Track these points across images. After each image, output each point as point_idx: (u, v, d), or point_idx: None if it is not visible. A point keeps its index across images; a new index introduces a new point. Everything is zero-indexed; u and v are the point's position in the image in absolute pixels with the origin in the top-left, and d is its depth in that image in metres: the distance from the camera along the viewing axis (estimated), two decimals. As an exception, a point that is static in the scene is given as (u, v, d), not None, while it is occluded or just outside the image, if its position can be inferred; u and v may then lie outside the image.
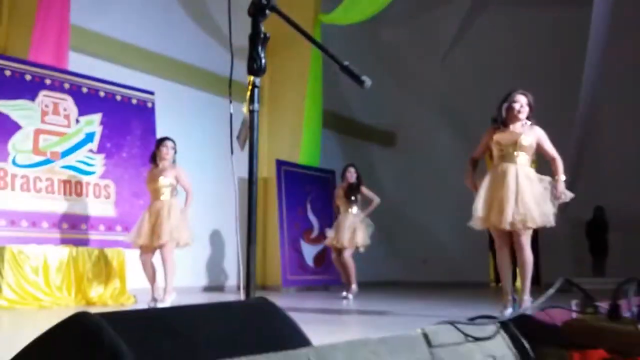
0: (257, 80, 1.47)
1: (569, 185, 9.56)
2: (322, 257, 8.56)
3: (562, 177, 3.90)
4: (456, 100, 11.31)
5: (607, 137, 9.93)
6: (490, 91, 11.05)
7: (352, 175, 6.54)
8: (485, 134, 4.17)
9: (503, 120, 4.02)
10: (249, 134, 1.46)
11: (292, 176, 8.37)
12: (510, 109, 3.99)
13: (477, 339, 1.02)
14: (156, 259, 5.07)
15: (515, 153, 3.93)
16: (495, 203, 3.86)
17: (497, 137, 4.01)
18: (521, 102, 3.98)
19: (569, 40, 9.56)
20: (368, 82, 1.42)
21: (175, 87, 7.54)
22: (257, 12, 1.46)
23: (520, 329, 1.10)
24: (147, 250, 4.95)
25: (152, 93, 6.40)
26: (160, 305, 4.79)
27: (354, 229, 6.39)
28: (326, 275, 8.60)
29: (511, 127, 4.00)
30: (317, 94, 8.70)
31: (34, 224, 5.24)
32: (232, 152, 1.57)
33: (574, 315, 1.26)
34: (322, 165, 8.94)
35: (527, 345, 1.08)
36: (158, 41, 7.34)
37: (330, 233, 6.62)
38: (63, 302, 5.11)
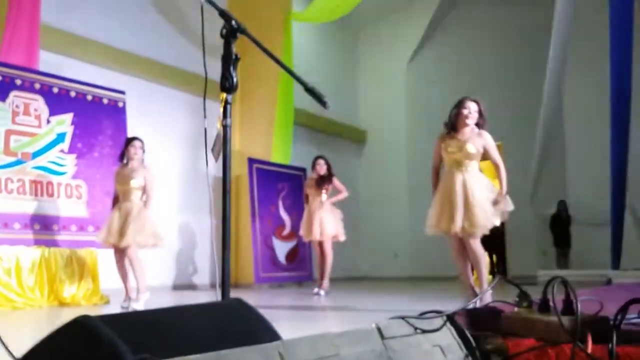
0: (229, 97, 1.59)
1: (535, 181, 9.81)
2: (295, 254, 8.70)
3: (504, 190, 4.00)
4: (423, 100, 11.54)
5: (571, 135, 10.29)
6: (458, 91, 11.37)
7: (322, 167, 6.60)
8: (437, 141, 4.22)
9: (452, 126, 4.08)
10: (223, 147, 1.58)
11: (263, 174, 8.48)
12: (459, 114, 4.06)
13: (425, 331, 1.17)
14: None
15: (463, 160, 4.02)
16: (446, 210, 4.00)
17: (445, 144, 4.10)
18: (470, 109, 4.04)
19: (537, 39, 9.86)
20: (329, 105, 1.56)
21: (146, 85, 7.58)
22: (229, 35, 1.58)
23: (468, 320, 1.26)
24: (117, 250, 4.98)
25: (122, 92, 6.43)
26: (133, 305, 4.81)
27: (322, 218, 6.43)
28: (298, 271, 8.75)
29: (459, 133, 4.07)
30: (288, 92, 8.81)
31: (6, 225, 5.24)
32: (207, 164, 1.69)
33: (515, 309, 1.42)
34: (294, 162, 9.06)
35: (469, 335, 1.23)
36: (129, 39, 7.36)
37: (302, 228, 6.66)
38: (36, 303, 5.13)
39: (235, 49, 1.62)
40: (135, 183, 4.94)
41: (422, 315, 1.19)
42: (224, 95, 1.59)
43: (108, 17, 7.17)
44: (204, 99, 1.71)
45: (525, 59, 10.45)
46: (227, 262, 1.58)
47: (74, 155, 5.83)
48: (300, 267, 8.82)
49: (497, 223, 3.98)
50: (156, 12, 7.89)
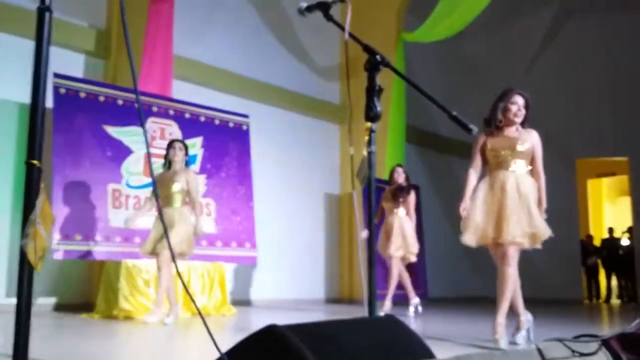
0: (374, 126, 1.70)
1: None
2: (408, 271, 8.66)
3: (544, 205, 3.59)
4: (541, 112, 11.09)
5: None
6: (577, 102, 10.88)
7: (400, 175, 6.23)
8: (479, 139, 3.69)
9: (497, 123, 3.59)
10: (368, 171, 1.69)
11: (377, 191, 8.56)
12: (507, 110, 3.58)
13: (582, 354, 1.19)
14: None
15: (513, 159, 3.55)
16: (492, 216, 3.47)
17: (492, 142, 3.61)
18: (519, 104, 3.58)
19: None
20: (475, 129, 1.61)
21: (267, 109, 7.99)
22: (372, 68, 1.70)
23: (621, 344, 1.26)
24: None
25: (246, 116, 6.84)
26: (166, 320, 4.63)
27: (403, 235, 6.11)
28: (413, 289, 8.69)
29: (506, 131, 3.61)
30: (400, 110, 8.87)
31: (145, 240, 5.74)
32: (353, 188, 1.81)
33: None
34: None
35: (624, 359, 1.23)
36: (251, 66, 7.82)
37: (379, 241, 6.23)
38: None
39: (379, 80, 1.72)
40: (176, 187, 4.75)
41: (577, 338, 1.22)
42: (369, 124, 1.71)
43: (233, 47, 7.68)
44: (349, 129, 1.84)
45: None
46: (373, 277, 1.68)
47: (204, 176, 6.27)
48: (414, 284, 8.76)
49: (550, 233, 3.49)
50: (276, 40, 8.32)
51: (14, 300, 3.91)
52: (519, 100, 3.59)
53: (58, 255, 5.18)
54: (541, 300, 9.75)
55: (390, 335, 1.36)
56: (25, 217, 1.02)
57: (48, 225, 1.05)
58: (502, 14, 10.79)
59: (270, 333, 1.07)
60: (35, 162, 1.02)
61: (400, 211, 6.21)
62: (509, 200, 3.43)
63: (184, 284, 1.56)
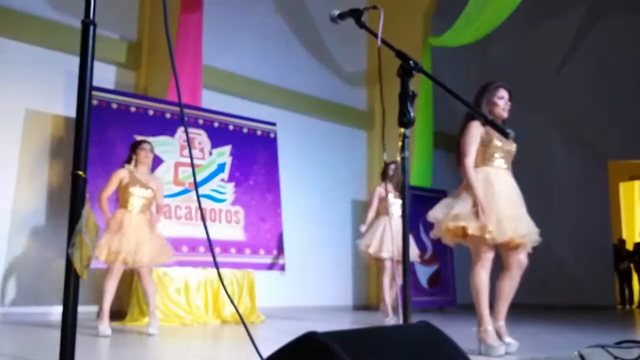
0: (407, 132, 1.70)
1: None
2: (437, 278, 8.61)
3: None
4: (572, 113, 10.97)
5: None
6: (609, 103, 10.68)
7: (392, 170, 5.66)
8: (475, 128, 3.33)
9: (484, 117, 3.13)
10: (402, 176, 1.69)
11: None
12: (494, 105, 3.38)
13: (626, 362, 1.17)
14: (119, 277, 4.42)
15: (505, 157, 3.38)
16: (507, 214, 3.23)
17: (492, 134, 3.34)
18: (506, 98, 3.41)
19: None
20: (512, 133, 1.60)
21: (295, 116, 8.03)
22: (405, 74, 1.70)
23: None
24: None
25: (274, 124, 6.88)
26: (152, 331, 4.38)
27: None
28: (441, 296, 8.63)
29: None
30: (427, 115, 8.83)
31: (176, 248, 5.79)
32: (386, 194, 1.81)
33: None
34: (434, 186, 9.01)
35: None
36: (278, 74, 7.88)
37: (371, 241, 5.75)
38: (202, 319, 5.60)
39: (412, 85, 1.72)
40: (150, 194, 4.49)
41: (619, 344, 1.20)
42: (402, 129, 1.70)
43: (260, 56, 7.75)
44: (382, 135, 1.84)
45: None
46: (408, 285, 1.68)
47: (232, 184, 6.33)
48: (443, 291, 8.69)
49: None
50: (303, 48, 8.37)
51: (8, 309, 3.98)
52: (505, 94, 3.41)
53: (96, 264, 5.26)
54: (574, 307, 9.57)
55: (428, 341, 1.36)
56: (72, 227, 1.05)
57: (93, 235, 1.07)
58: (530, 17, 10.67)
59: (310, 340, 1.07)
60: (80, 172, 1.04)
61: (398, 211, 5.69)
62: (517, 198, 3.32)
63: (226, 291, 1.57)
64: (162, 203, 4.77)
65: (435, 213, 3.38)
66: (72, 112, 5.53)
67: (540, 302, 9.92)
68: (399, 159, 1.72)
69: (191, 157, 1.55)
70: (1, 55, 5.67)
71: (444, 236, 3.40)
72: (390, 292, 5.84)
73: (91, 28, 1.06)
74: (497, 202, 3.22)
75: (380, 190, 5.72)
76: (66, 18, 5.99)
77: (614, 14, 10.63)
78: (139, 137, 5.59)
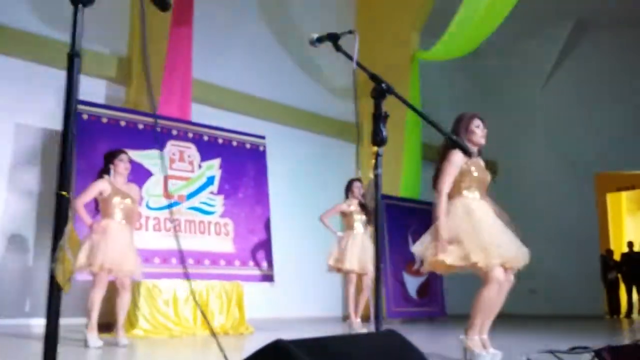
0: (380, 150, 1.79)
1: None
2: (426, 289, 8.68)
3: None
4: (560, 126, 11.14)
5: None
6: (595, 115, 10.86)
7: (359, 190, 5.90)
8: (457, 158, 3.36)
9: (463, 146, 3.17)
10: (375, 192, 1.77)
11: (393, 209, 8.62)
12: (471, 132, 3.46)
13: (576, 369, 1.25)
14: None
15: (479, 187, 3.49)
16: (494, 238, 3.32)
17: (471, 162, 3.39)
18: (481, 126, 3.50)
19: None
20: (475, 154, 1.69)
21: (285, 129, 8.13)
22: (378, 96, 1.79)
23: (613, 356, 1.31)
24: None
25: (263, 137, 6.96)
26: (125, 342, 4.44)
27: (364, 249, 5.68)
28: (430, 307, 8.70)
29: (473, 156, 3.42)
30: (416, 128, 8.95)
31: (165, 260, 5.85)
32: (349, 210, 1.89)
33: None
34: (423, 197, 9.11)
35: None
36: (268, 88, 7.98)
37: (333, 253, 5.89)
38: (190, 331, 5.62)
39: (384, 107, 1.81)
40: (131, 203, 4.52)
41: (571, 351, 1.27)
42: (375, 148, 1.79)
43: (249, 69, 7.86)
44: (357, 151, 1.92)
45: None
46: (380, 294, 1.75)
47: (222, 196, 6.39)
48: (432, 302, 8.77)
49: None
50: (293, 62, 8.48)
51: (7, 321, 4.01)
52: (480, 123, 3.52)
53: (82, 276, 5.29)
54: (561, 316, 9.66)
55: (392, 349, 1.43)
56: (55, 244, 1.12)
57: (75, 250, 1.15)
58: (517, 31, 10.86)
59: (276, 348, 1.15)
60: (64, 193, 1.12)
61: (361, 227, 5.84)
62: (499, 224, 3.44)
63: (198, 306, 1.64)
64: (138, 212, 4.83)
65: (417, 247, 3.48)
66: (60, 126, 5.63)
67: (527, 311, 10.02)
68: (371, 175, 1.81)
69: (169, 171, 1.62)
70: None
71: (436, 269, 3.51)
72: (358, 304, 5.96)
73: (76, 60, 1.14)
74: (479, 231, 3.32)
75: (342, 206, 5.91)
76: (56, 33, 6.07)
77: (601, 28, 10.84)
78: (128, 151, 5.65)
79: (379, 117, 1.80)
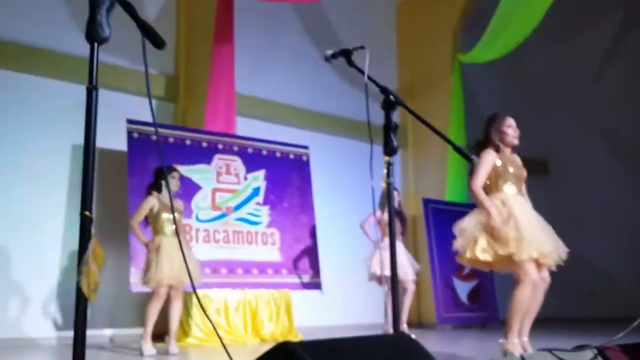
0: (392, 160, 1.86)
1: None
2: (477, 294, 8.57)
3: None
4: (611, 120, 10.76)
5: None
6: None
7: (396, 199, 6.00)
8: (489, 157, 3.49)
9: (496, 146, 3.55)
10: (388, 201, 1.84)
11: (439, 213, 8.56)
12: (504, 134, 3.58)
13: (574, 366, 1.27)
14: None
15: (516, 183, 3.61)
16: (537, 233, 3.43)
17: (507, 159, 3.58)
18: (513, 126, 3.62)
19: None
20: (476, 159, 1.74)
21: (327, 138, 8.24)
22: (388, 107, 1.86)
23: (618, 353, 1.32)
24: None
25: (306, 147, 7.10)
26: (174, 350, 4.66)
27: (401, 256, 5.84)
28: (482, 312, 8.57)
29: (507, 153, 3.62)
30: (460, 129, 8.87)
31: (215, 270, 6.06)
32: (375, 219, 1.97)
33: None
34: (470, 200, 9.00)
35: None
36: (309, 97, 8.13)
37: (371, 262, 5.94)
38: (241, 339, 5.80)
39: (394, 117, 1.88)
40: (177, 216, 4.74)
41: (572, 349, 1.30)
42: (387, 158, 1.86)
43: (291, 80, 8.02)
44: (370, 164, 2.00)
45: None
46: (397, 299, 1.82)
47: (267, 207, 6.56)
48: (484, 307, 8.64)
49: None
50: (333, 71, 8.58)
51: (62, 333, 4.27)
52: (512, 122, 3.61)
53: (137, 288, 5.56)
54: (621, 319, 9.28)
55: (401, 351, 1.50)
56: (80, 258, 1.26)
57: (99, 263, 1.29)
58: (562, 26, 10.60)
59: (283, 350, 1.24)
60: (87, 213, 1.26)
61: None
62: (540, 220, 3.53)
63: (206, 314, 1.75)
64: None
65: (458, 242, 3.60)
66: (111, 145, 5.94)
67: (586, 314, 9.70)
68: (383, 184, 1.88)
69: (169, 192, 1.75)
70: (48, 95, 6.12)
71: (476, 265, 3.58)
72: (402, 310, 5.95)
73: (94, 93, 1.28)
74: (517, 225, 3.37)
75: (377, 214, 5.80)
76: (102, 56, 6.39)
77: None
78: (177, 167, 5.89)
79: (389, 128, 1.87)
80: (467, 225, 3.46)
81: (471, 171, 3.57)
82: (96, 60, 1.31)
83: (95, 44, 1.31)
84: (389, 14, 9.85)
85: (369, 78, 1.96)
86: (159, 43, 1.35)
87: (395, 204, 5.94)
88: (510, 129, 3.59)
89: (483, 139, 3.63)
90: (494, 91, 10.90)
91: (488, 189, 3.54)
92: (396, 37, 9.80)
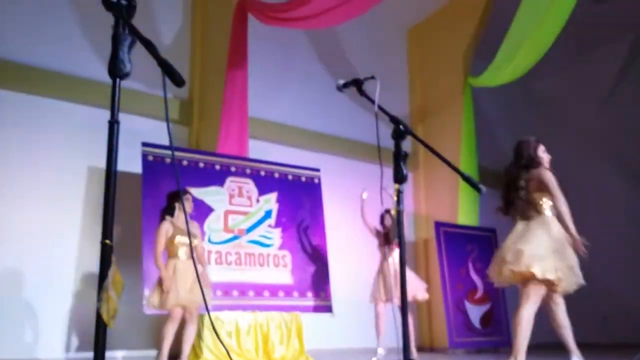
0: (402, 187, 1.91)
1: None
2: (489, 318, 8.50)
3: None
4: (621, 142, 10.73)
5: None
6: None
7: (388, 220, 6.09)
8: (550, 173, 4.00)
9: (536, 165, 4.01)
10: (398, 228, 1.88)
11: (451, 237, 8.55)
12: (541, 159, 4.07)
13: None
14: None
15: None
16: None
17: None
18: (546, 152, 4.10)
19: None
20: (483, 189, 1.78)
21: (339, 160, 8.30)
22: (397, 137, 1.91)
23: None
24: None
25: (317, 170, 7.16)
26: None
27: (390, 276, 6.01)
28: (494, 336, 8.49)
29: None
30: (471, 151, 8.88)
31: (226, 292, 6.09)
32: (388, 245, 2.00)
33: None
34: (482, 223, 8.99)
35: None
36: (321, 121, 8.21)
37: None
38: (252, 361, 5.81)
39: (403, 146, 1.93)
40: (195, 242, 4.86)
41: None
42: (397, 185, 1.91)
43: (302, 104, 8.13)
44: (381, 188, 2.04)
45: None
46: (406, 325, 1.84)
47: (279, 229, 6.60)
48: (496, 331, 8.56)
49: None
50: (345, 95, 8.67)
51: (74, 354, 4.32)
52: (544, 148, 4.05)
53: (149, 310, 5.60)
54: (636, 345, 9.13)
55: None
56: (100, 285, 1.31)
57: (118, 290, 1.33)
58: (572, 50, 10.65)
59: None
60: (107, 242, 1.31)
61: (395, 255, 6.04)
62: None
63: (218, 336, 1.78)
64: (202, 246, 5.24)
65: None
66: (128, 168, 6.03)
67: (600, 340, 9.56)
68: (393, 212, 1.92)
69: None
70: (64, 117, 6.25)
71: (510, 279, 3.85)
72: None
73: (116, 126, 1.34)
74: (563, 250, 3.77)
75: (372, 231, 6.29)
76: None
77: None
78: (191, 189, 5.96)
79: (399, 156, 1.92)
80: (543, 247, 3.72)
81: (540, 188, 3.79)
82: (118, 95, 1.38)
83: (118, 80, 1.37)
84: (400, 38, 9.97)
85: (380, 107, 2.01)
86: (178, 81, 1.41)
87: (388, 225, 6.08)
88: (545, 154, 4.04)
89: (526, 161, 3.92)
90: (504, 113, 10.94)
91: (539, 209, 3.94)
92: (407, 61, 9.91)
